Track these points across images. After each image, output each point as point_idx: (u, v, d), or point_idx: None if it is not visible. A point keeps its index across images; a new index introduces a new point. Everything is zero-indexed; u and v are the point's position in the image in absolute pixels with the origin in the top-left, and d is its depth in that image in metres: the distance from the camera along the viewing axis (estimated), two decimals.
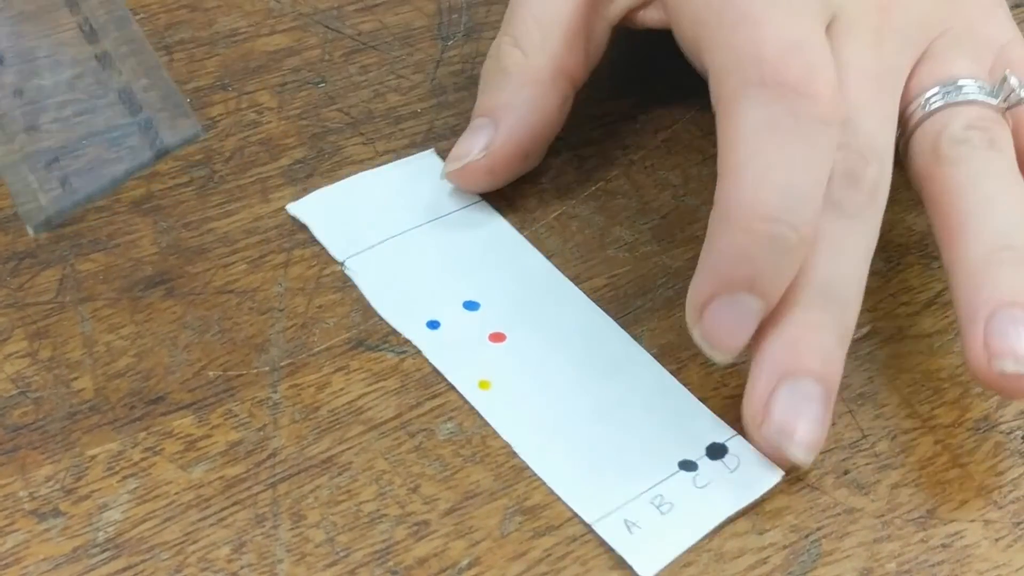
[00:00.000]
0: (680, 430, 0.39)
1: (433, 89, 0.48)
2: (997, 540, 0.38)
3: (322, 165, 0.45)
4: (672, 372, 0.40)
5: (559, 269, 0.43)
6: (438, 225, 0.43)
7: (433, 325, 0.41)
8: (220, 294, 0.42)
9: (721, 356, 0.38)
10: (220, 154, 0.45)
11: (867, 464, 0.39)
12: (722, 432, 0.39)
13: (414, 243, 0.43)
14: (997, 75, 0.43)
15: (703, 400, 0.40)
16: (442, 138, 0.46)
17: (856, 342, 0.42)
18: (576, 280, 0.43)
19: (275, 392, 0.39)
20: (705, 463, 0.38)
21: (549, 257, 0.43)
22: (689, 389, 0.40)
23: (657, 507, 0.37)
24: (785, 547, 0.37)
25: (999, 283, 0.39)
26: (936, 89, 0.42)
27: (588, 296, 0.42)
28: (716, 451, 0.38)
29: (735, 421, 0.39)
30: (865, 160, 0.40)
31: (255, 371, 0.40)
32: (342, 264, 0.42)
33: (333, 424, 0.39)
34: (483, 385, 0.40)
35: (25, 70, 0.37)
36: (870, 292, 0.43)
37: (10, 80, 0.38)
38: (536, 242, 0.44)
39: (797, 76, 0.38)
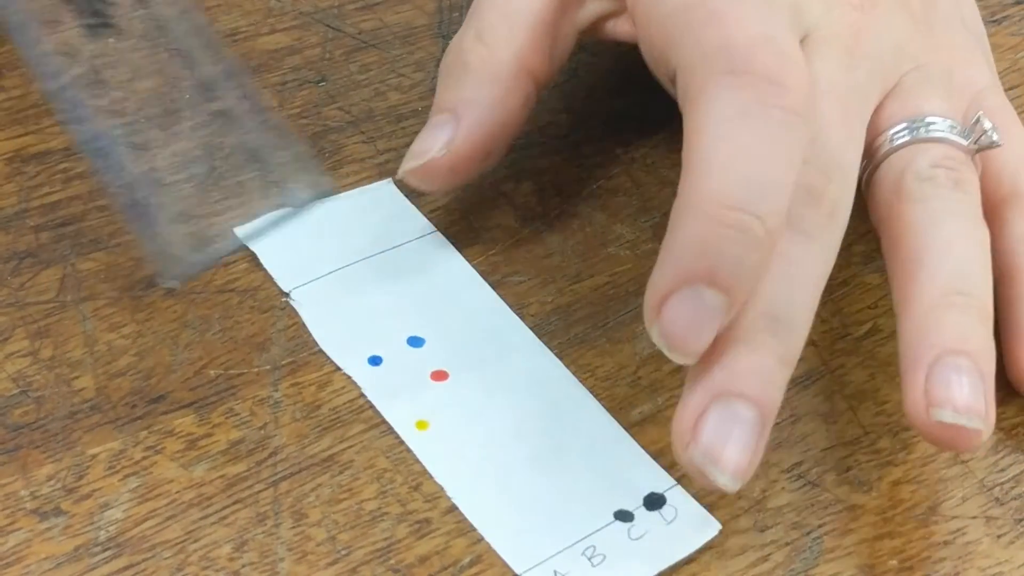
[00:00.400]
0: (618, 479, 0.38)
1: (434, 88, 0.48)
2: (999, 537, 0.38)
3: (322, 164, 0.45)
4: (669, 374, 0.40)
5: (559, 268, 0.43)
6: (388, 257, 0.42)
7: (375, 361, 0.40)
8: (221, 293, 0.42)
9: (681, 357, 0.35)
10: (220, 151, 0.45)
11: (868, 461, 0.39)
12: (662, 482, 0.38)
13: (362, 275, 0.42)
14: (971, 118, 0.42)
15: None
16: None
17: (857, 339, 0.42)
18: (577, 278, 0.43)
19: (276, 391, 0.39)
20: (642, 513, 0.37)
21: (549, 255, 0.43)
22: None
23: (588, 558, 0.36)
24: (787, 544, 0.37)
25: (945, 329, 0.37)
26: (904, 124, 0.41)
27: (587, 295, 0.42)
28: (654, 502, 0.38)
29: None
30: (827, 177, 0.39)
31: (256, 370, 0.40)
32: (287, 295, 0.42)
33: (334, 422, 0.39)
34: (420, 425, 0.39)
35: (150, 131, 0.37)
36: (871, 289, 0.43)
37: (139, 140, 0.38)
38: (536, 240, 0.44)
39: (767, 65, 0.37)
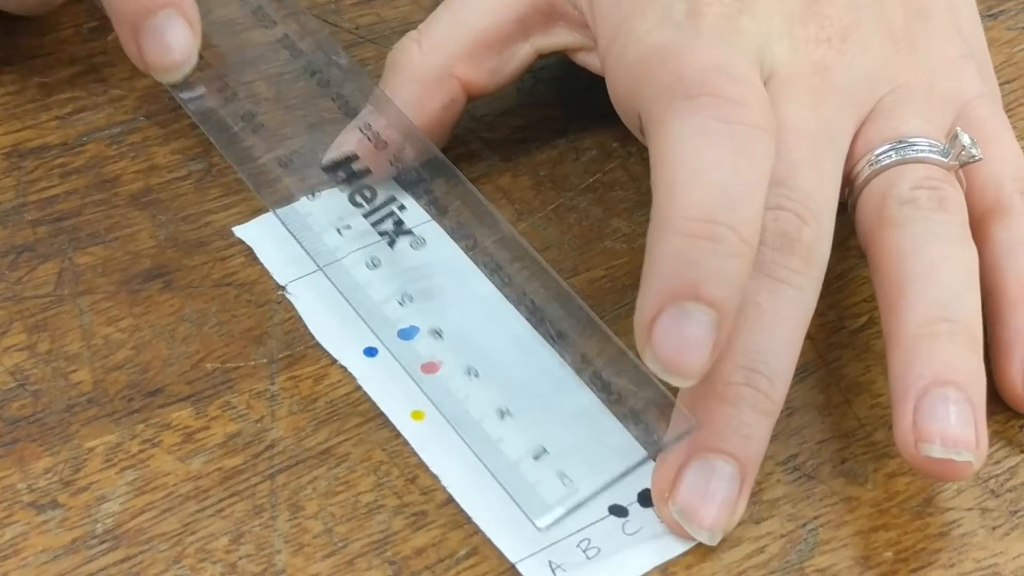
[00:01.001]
0: (609, 448, 0.38)
1: None
2: (994, 528, 0.38)
3: (319, 157, 0.45)
4: None
5: (556, 261, 0.43)
6: (382, 248, 0.42)
7: (370, 353, 0.40)
8: (218, 287, 0.42)
9: (678, 379, 0.35)
10: (218, 147, 0.45)
11: (864, 453, 0.39)
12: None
13: (356, 268, 0.42)
14: (953, 133, 0.41)
15: None
16: None
17: (852, 332, 0.42)
18: (574, 272, 0.43)
19: (273, 384, 0.40)
20: (636, 509, 0.38)
21: (546, 249, 0.43)
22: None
23: (583, 551, 0.37)
24: (782, 536, 0.37)
25: (932, 359, 0.37)
26: (885, 147, 0.40)
27: (584, 288, 0.42)
28: (649, 498, 0.38)
29: None
30: (801, 221, 0.38)
31: (253, 363, 0.40)
32: (283, 288, 0.42)
33: (331, 415, 0.39)
34: (416, 416, 0.39)
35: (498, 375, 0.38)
36: (867, 282, 0.43)
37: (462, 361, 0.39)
38: (534, 234, 0.44)
39: (722, 87, 0.37)
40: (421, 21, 0.50)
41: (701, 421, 0.36)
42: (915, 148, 0.40)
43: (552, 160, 0.46)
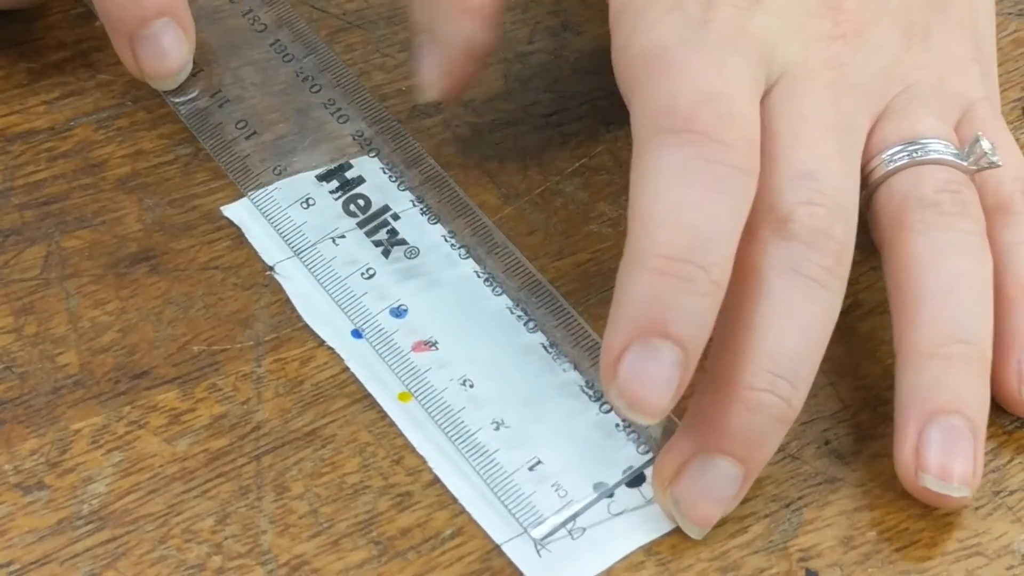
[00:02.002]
0: (599, 455, 0.38)
1: None
2: (977, 509, 0.38)
3: (304, 141, 0.45)
4: None
5: (542, 245, 0.43)
6: (372, 230, 0.42)
7: (357, 334, 0.40)
8: (205, 270, 0.42)
9: (642, 417, 0.35)
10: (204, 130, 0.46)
11: (848, 434, 0.39)
12: (642, 461, 0.38)
13: (345, 248, 0.42)
14: (964, 133, 0.41)
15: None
16: (426, 116, 0.47)
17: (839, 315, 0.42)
18: (559, 255, 0.43)
19: (259, 366, 0.40)
20: (622, 490, 0.38)
21: (532, 232, 0.43)
22: None
23: (569, 531, 0.37)
24: (766, 516, 0.38)
25: (941, 384, 0.37)
26: (900, 147, 0.40)
27: (570, 271, 0.42)
28: (634, 479, 0.38)
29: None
30: (832, 218, 0.37)
31: (239, 346, 0.40)
32: (271, 269, 0.42)
33: (317, 397, 0.39)
34: (403, 397, 0.39)
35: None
36: (853, 265, 0.43)
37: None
38: (520, 218, 0.44)
39: (708, 125, 0.36)
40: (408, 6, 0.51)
41: (715, 419, 0.36)
42: (931, 149, 0.40)
43: (538, 144, 0.46)
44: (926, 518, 0.38)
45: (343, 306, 0.41)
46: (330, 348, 0.40)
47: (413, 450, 0.38)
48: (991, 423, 0.40)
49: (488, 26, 0.42)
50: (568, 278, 0.43)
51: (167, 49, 0.43)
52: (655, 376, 0.35)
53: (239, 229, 0.43)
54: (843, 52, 0.40)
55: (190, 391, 0.39)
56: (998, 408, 0.40)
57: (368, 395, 0.39)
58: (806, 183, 0.38)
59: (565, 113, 0.47)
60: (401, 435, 0.38)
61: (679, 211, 0.36)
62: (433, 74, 0.42)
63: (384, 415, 0.39)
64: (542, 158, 0.46)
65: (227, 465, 0.38)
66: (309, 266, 0.41)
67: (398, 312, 0.41)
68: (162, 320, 0.40)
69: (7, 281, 0.41)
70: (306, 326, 0.41)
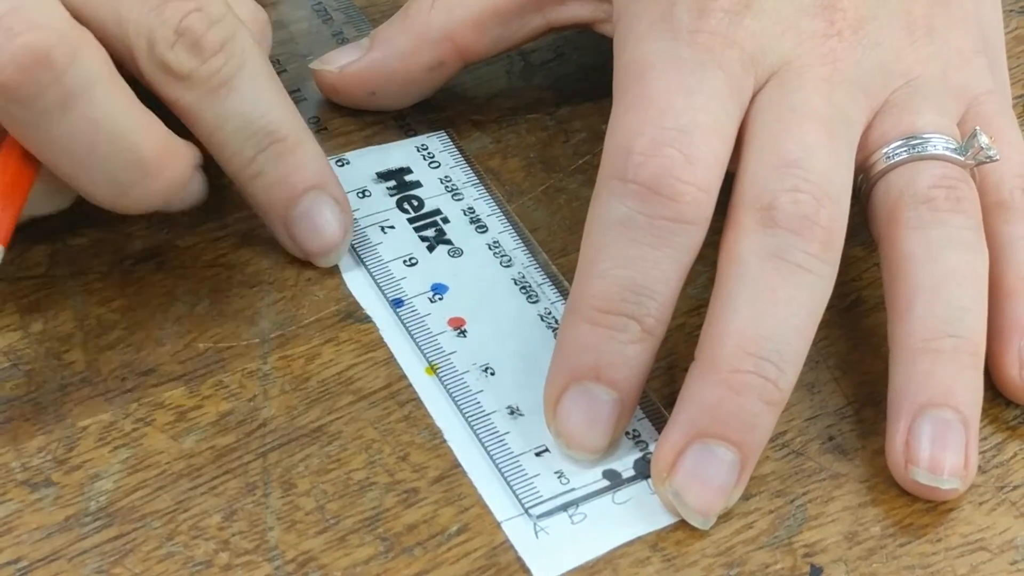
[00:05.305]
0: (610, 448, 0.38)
1: None
2: (980, 504, 0.38)
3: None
4: None
5: (546, 242, 0.43)
6: (422, 226, 0.43)
7: (397, 304, 0.41)
8: (210, 268, 0.42)
9: (580, 453, 0.38)
10: None
11: (852, 430, 0.40)
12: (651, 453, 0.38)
13: (399, 220, 0.43)
14: (966, 127, 0.41)
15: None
16: (430, 111, 0.47)
17: (842, 311, 0.42)
18: (563, 252, 0.43)
19: (265, 363, 0.40)
20: (630, 478, 0.38)
21: (535, 230, 0.44)
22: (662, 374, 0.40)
23: (570, 516, 0.37)
24: (771, 512, 0.38)
25: (932, 377, 0.38)
26: (900, 141, 0.40)
27: (573, 268, 0.43)
28: (641, 471, 0.38)
29: None
30: (818, 203, 0.38)
31: (245, 343, 0.40)
32: None
33: (323, 394, 0.39)
34: (429, 371, 0.40)
35: None
36: (856, 261, 0.44)
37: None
38: (523, 215, 0.44)
39: (655, 176, 0.37)
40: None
41: (706, 405, 0.37)
42: (931, 144, 0.40)
43: (542, 142, 0.46)
44: (930, 513, 0.38)
45: (381, 283, 0.42)
46: (339, 341, 0.40)
47: (419, 447, 0.38)
48: (995, 419, 0.40)
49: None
50: (572, 275, 0.43)
51: (320, 224, 0.41)
52: (591, 414, 0.37)
53: (249, 223, 0.43)
54: (838, 49, 0.40)
55: (196, 388, 0.39)
56: (1002, 403, 0.40)
57: (374, 392, 0.39)
58: (791, 171, 0.38)
59: (568, 111, 0.47)
60: (407, 432, 0.39)
61: (617, 269, 0.37)
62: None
63: (390, 412, 0.39)
64: (545, 155, 0.46)
65: (234, 462, 0.38)
66: (355, 244, 0.42)
67: (438, 288, 0.41)
68: (168, 317, 0.41)
69: (13, 278, 0.41)
70: (311, 323, 0.41)
